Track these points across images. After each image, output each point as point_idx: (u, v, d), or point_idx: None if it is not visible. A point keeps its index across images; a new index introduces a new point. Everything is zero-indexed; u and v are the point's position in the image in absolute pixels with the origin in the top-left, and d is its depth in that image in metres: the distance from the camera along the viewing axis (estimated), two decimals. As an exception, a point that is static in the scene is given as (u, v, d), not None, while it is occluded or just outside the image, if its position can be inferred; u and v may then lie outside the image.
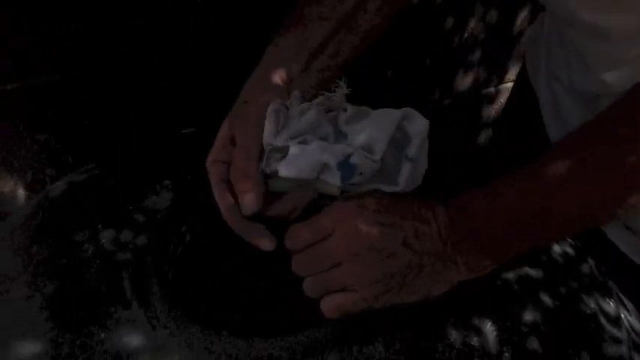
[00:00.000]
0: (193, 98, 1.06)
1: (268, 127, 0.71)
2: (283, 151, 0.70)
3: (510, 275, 0.78)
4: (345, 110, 0.70)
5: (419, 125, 0.69)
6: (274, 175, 0.71)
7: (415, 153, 0.69)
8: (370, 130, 0.69)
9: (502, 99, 1.67)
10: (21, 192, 1.29)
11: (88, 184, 0.92)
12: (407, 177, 0.69)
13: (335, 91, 0.71)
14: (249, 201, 0.69)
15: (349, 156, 0.67)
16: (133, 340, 0.71)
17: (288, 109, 0.72)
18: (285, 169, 0.69)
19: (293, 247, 0.70)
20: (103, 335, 0.71)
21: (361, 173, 0.67)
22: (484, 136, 1.41)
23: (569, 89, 0.90)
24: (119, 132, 1.16)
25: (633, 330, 0.81)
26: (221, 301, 0.76)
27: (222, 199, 0.72)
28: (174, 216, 0.83)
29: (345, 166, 0.67)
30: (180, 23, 1.16)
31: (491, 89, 1.65)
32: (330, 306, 0.68)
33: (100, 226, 0.83)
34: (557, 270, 0.80)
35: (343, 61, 0.77)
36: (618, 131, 0.63)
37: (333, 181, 0.68)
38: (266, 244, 0.71)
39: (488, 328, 0.73)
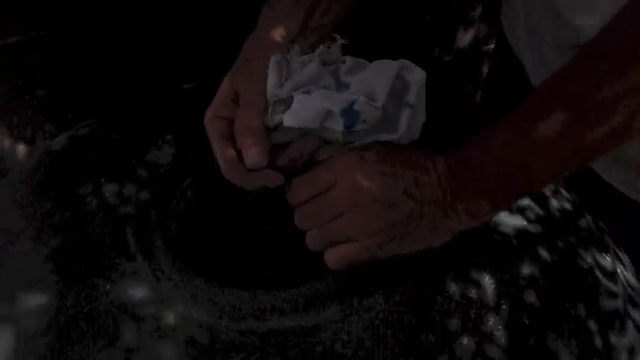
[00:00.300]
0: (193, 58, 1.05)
1: (272, 79, 0.71)
2: (287, 102, 0.71)
3: (509, 230, 0.79)
4: (344, 62, 0.72)
5: (417, 74, 0.70)
6: (279, 127, 0.71)
7: (415, 99, 0.70)
8: (371, 79, 0.70)
9: (502, 56, 1.66)
10: (21, 148, 1.29)
11: (89, 139, 0.93)
12: (406, 124, 0.70)
13: (331, 47, 0.71)
14: (256, 154, 0.70)
15: (353, 103, 0.68)
16: (138, 291, 0.72)
17: (289, 62, 0.72)
18: (289, 119, 0.69)
19: (295, 201, 0.71)
20: (108, 287, 0.73)
21: (364, 121, 0.68)
22: (483, 92, 1.41)
23: (550, 44, 0.90)
24: (120, 87, 1.16)
25: (629, 284, 0.82)
26: (224, 254, 0.77)
27: (223, 154, 0.73)
28: (177, 171, 0.84)
29: (349, 112, 0.68)
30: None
31: (492, 46, 1.64)
32: (333, 257, 0.70)
33: (102, 179, 0.83)
34: (554, 225, 0.81)
35: (336, 17, 0.77)
36: (599, 68, 0.64)
37: (337, 127, 0.69)
38: (274, 180, 0.71)
39: (487, 281, 0.74)
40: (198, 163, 0.84)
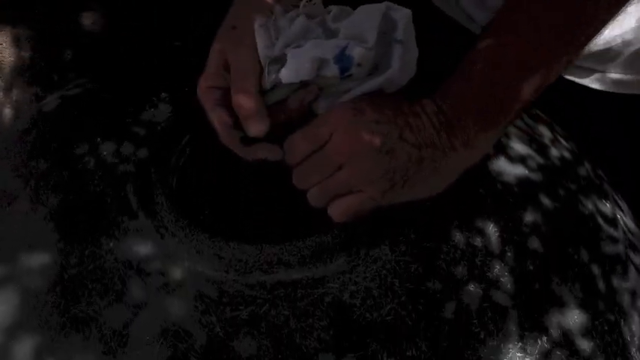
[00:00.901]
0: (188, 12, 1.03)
1: (261, 41, 0.71)
2: (282, 60, 0.70)
3: (510, 179, 0.79)
4: (329, 12, 0.72)
5: (403, 12, 0.71)
6: (276, 86, 0.71)
7: (403, 35, 0.70)
8: (358, 22, 0.70)
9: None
10: (7, 111, 1.27)
11: (82, 99, 0.91)
12: (399, 60, 0.70)
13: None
14: (257, 122, 0.70)
15: (344, 48, 0.68)
16: (142, 248, 0.71)
17: (276, 22, 0.72)
18: (287, 75, 0.69)
19: (293, 161, 0.71)
20: (111, 244, 0.72)
21: (359, 64, 0.68)
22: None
23: None
24: (110, 46, 1.13)
25: (629, 230, 0.83)
26: (227, 209, 0.77)
27: (221, 122, 0.72)
28: (175, 127, 0.83)
29: (342, 58, 0.68)
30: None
31: None
32: (337, 210, 0.70)
33: (98, 139, 0.82)
34: (555, 173, 0.82)
35: None
36: None
37: (332, 73, 0.68)
38: (274, 153, 0.71)
39: (491, 229, 0.74)
40: (196, 120, 0.83)
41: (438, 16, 1.05)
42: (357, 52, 0.68)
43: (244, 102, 0.71)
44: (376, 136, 0.67)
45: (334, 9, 0.72)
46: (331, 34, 0.72)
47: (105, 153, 0.81)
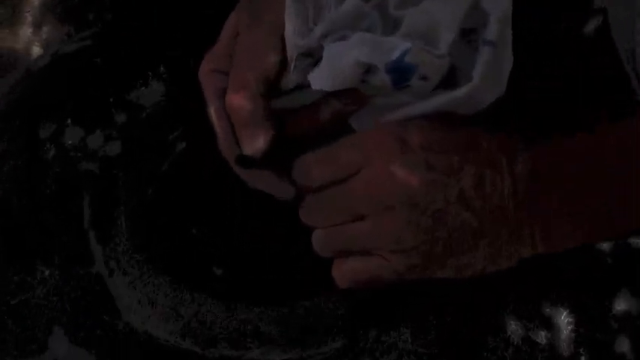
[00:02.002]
0: None
1: (292, 23, 0.50)
2: (316, 55, 0.50)
3: (604, 245, 0.56)
4: None
5: (499, 3, 0.49)
6: (303, 88, 0.52)
7: (498, 35, 0.48)
8: (432, 14, 0.49)
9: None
10: (35, 49, 1.12)
11: (73, 60, 0.73)
12: (486, 69, 0.48)
13: None
14: (253, 135, 0.51)
15: (404, 53, 0.47)
16: (82, 283, 0.54)
17: None
18: (317, 80, 0.49)
19: (303, 184, 0.50)
20: (46, 273, 0.55)
21: (425, 77, 0.48)
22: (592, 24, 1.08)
23: None
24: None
25: None
26: (202, 248, 0.57)
27: (220, 125, 0.52)
28: (163, 118, 0.64)
29: (400, 67, 0.47)
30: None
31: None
32: (344, 272, 0.51)
33: (69, 120, 0.64)
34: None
35: None
36: None
37: (382, 83, 0.49)
38: (280, 190, 0.51)
39: (562, 319, 0.52)
40: (194, 110, 0.63)
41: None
42: (422, 59, 0.47)
43: (239, 103, 0.51)
44: (423, 189, 0.47)
45: None
46: (391, 25, 0.50)
47: (70, 142, 0.63)
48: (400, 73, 0.48)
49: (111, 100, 0.66)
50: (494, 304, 0.52)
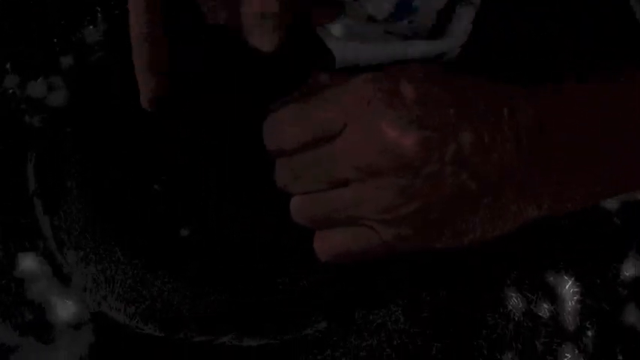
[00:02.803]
0: None
1: None
2: None
3: (611, 203, 0.51)
4: None
5: None
6: None
7: None
8: None
9: None
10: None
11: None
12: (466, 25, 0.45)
13: None
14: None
15: None
16: (25, 263, 0.47)
17: None
18: None
19: (277, 146, 0.44)
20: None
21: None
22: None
23: None
24: None
25: None
26: (166, 214, 0.50)
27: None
28: (116, 60, 0.55)
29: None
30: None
31: None
32: (328, 245, 0.45)
33: (8, 65, 0.56)
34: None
35: None
36: None
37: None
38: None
39: (567, 289, 0.47)
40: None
41: None
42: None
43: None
44: (415, 150, 0.41)
45: None
46: None
47: (10, 90, 0.55)
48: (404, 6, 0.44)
49: (55, 40, 0.57)
50: (494, 276, 0.47)
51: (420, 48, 0.47)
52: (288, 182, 0.45)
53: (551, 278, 0.48)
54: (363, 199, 0.42)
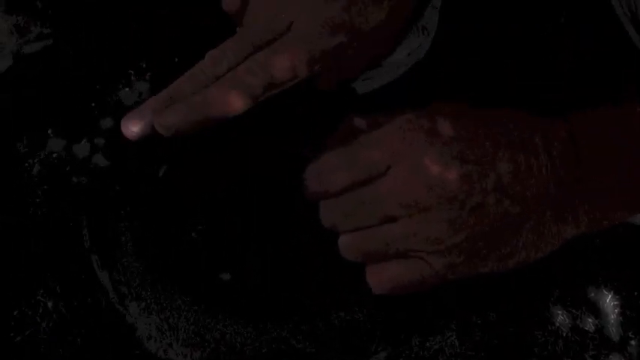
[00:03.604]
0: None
1: None
2: None
3: (638, 219, 0.53)
4: None
5: None
6: None
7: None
8: None
9: None
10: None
11: (38, 61, 0.66)
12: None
13: None
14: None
15: None
16: (91, 317, 0.49)
17: None
18: None
19: (323, 189, 0.46)
20: (50, 305, 0.49)
21: None
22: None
23: None
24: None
25: None
26: (223, 260, 0.52)
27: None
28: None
29: None
30: None
31: None
32: (381, 278, 0.47)
33: (50, 130, 0.58)
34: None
35: None
36: None
37: None
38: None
39: (608, 302, 0.50)
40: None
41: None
42: None
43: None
44: (459, 183, 0.43)
45: None
46: None
47: (54, 155, 0.57)
48: None
49: (93, 104, 0.60)
50: (539, 295, 0.49)
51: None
52: (338, 221, 0.47)
53: (592, 294, 0.50)
54: (413, 232, 0.45)
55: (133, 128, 0.46)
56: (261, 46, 0.46)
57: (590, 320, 0.49)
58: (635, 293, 0.51)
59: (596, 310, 0.50)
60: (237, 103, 0.45)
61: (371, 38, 0.48)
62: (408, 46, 0.52)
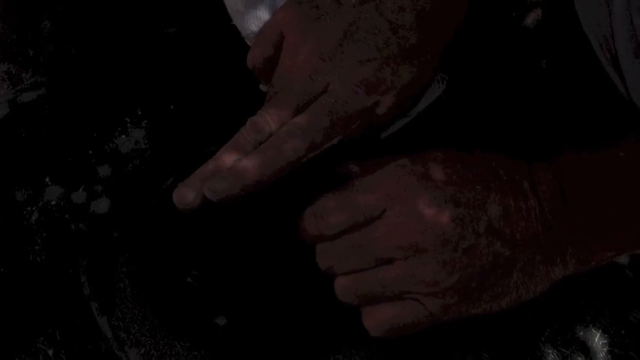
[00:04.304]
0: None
1: None
2: None
3: (622, 259, 0.55)
4: None
5: None
6: None
7: None
8: None
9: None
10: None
11: (34, 109, 0.68)
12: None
13: None
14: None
15: None
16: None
17: None
18: None
19: (319, 232, 0.48)
20: (50, 352, 0.50)
21: None
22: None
23: None
24: (80, 36, 0.89)
25: None
26: (220, 302, 0.53)
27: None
28: (152, 167, 0.59)
29: None
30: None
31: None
32: (377, 320, 0.48)
33: (47, 179, 0.59)
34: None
35: None
36: None
37: None
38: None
39: (597, 341, 0.51)
40: (185, 152, 0.60)
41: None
42: None
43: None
44: (452, 226, 0.45)
45: None
46: None
47: (53, 203, 0.58)
48: None
49: (90, 152, 0.61)
50: (530, 335, 0.51)
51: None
52: (334, 264, 0.48)
53: (581, 333, 0.52)
54: (408, 274, 0.46)
55: (185, 199, 0.47)
56: (299, 110, 0.47)
57: (579, 359, 0.51)
58: (623, 331, 0.52)
59: (585, 349, 0.51)
60: (282, 167, 0.46)
61: (403, 94, 0.49)
62: (430, 96, 0.54)
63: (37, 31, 1.04)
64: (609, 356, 0.51)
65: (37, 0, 1.02)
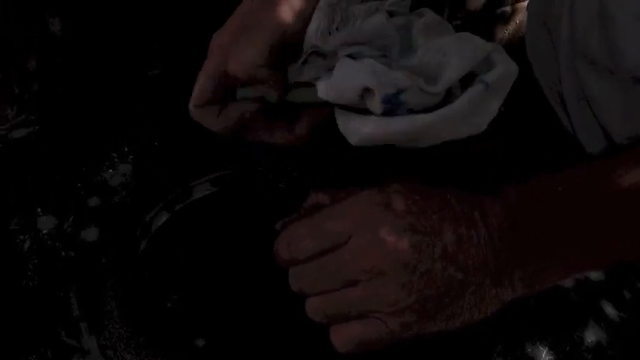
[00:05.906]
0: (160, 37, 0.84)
1: (316, 22, 0.55)
2: (329, 61, 0.54)
3: (567, 282, 0.60)
4: (420, 16, 0.55)
5: (509, 65, 0.52)
6: (299, 84, 0.56)
7: (495, 80, 0.51)
8: (448, 50, 0.52)
9: (518, 19, 1.47)
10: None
11: (24, 145, 0.72)
12: (466, 102, 0.51)
13: None
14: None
15: (401, 91, 0.51)
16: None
17: (346, 7, 0.56)
18: (327, 91, 0.53)
19: (291, 256, 0.53)
20: (41, 370, 0.54)
21: (410, 110, 0.52)
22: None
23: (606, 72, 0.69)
24: (67, 75, 0.94)
25: None
26: (199, 325, 0.58)
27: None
28: (136, 198, 0.64)
29: (392, 100, 0.52)
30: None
31: (507, 8, 1.44)
32: (342, 337, 0.52)
33: (39, 209, 0.64)
34: (622, 272, 0.63)
35: None
36: None
37: (373, 109, 0.52)
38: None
39: (544, 356, 0.56)
40: (168, 185, 0.65)
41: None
42: (414, 99, 0.51)
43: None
44: (410, 252, 0.49)
45: (429, 15, 0.55)
46: (409, 50, 0.55)
47: (44, 232, 0.62)
48: (392, 105, 0.51)
49: (79, 184, 0.66)
50: (483, 351, 0.56)
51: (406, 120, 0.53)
52: (305, 286, 0.53)
53: (530, 349, 0.57)
54: (371, 295, 0.51)
55: None
56: None
57: (528, 373, 0.56)
58: (567, 348, 0.58)
59: (534, 364, 0.56)
60: None
61: None
62: None
63: (22, 70, 1.09)
64: (555, 371, 0.56)
65: (23, 39, 1.07)
